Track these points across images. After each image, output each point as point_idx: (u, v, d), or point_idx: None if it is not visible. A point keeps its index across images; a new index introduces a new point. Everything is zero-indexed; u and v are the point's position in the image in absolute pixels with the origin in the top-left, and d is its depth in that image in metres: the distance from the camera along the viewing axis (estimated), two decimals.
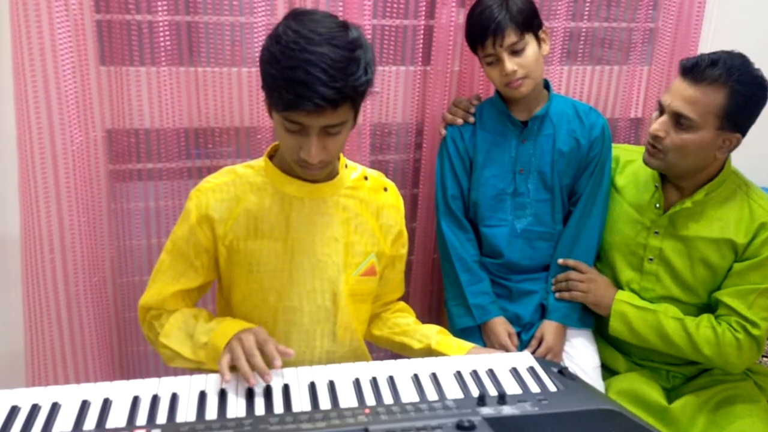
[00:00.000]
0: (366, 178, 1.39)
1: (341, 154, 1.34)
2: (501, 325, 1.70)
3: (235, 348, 1.16)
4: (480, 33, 1.57)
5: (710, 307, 1.66)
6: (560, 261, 1.73)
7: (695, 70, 1.49)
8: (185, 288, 1.34)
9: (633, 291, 1.69)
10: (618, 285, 1.72)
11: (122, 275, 1.87)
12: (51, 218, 1.64)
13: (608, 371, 1.75)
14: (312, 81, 1.09)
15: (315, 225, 1.32)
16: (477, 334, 1.74)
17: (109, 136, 1.75)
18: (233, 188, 1.32)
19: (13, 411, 1.04)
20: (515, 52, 1.57)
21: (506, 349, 1.65)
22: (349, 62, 1.12)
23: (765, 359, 1.90)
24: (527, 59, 1.58)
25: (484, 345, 1.71)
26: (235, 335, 1.19)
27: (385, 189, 1.42)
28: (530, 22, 1.58)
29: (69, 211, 1.65)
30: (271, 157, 1.34)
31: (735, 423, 1.57)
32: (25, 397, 1.08)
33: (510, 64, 1.56)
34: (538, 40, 1.61)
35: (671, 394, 1.69)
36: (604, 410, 1.05)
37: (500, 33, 1.55)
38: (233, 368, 1.15)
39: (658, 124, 1.54)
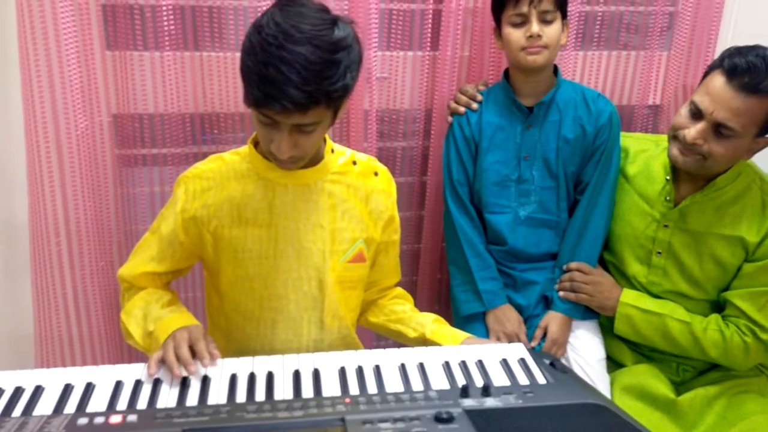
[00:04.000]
0: (354, 163, 1.36)
1: (327, 138, 1.32)
2: (513, 311, 1.68)
3: (167, 343, 1.17)
4: None
5: (718, 303, 1.61)
6: (564, 267, 1.71)
7: (750, 79, 1.37)
8: (154, 271, 1.36)
9: (640, 284, 1.65)
10: (624, 277, 1.68)
11: None
12: (56, 203, 1.65)
13: (614, 363, 1.71)
14: (283, 81, 1.04)
15: (299, 211, 1.30)
16: (481, 320, 1.71)
17: (116, 120, 1.76)
18: (218, 175, 1.31)
19: (17, 392, 1.05)
20: (545, 21, 1.58)
21: (516, 337, 1.63)
22: (327, 65, 1.06)
23: None
24: (552, 32, 1.58)
25: (487, 332, 1.68)
26: (172, 332, 1.20)
27: (376, 173, 1.39)
28: (564, 4, 1.61)
29: (74, 196, 1.66)
30: (256, 143, 1.32)
31: (746, 419, 1.52)
32: (28, 378, 1.10)
33: (537, 26, 1.57)
34: (562, 26, 1.61)
35: (681, 388, 1.64)
36: (589, 404, 1.02)
37: None
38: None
39: (696, 132, 1.45)
